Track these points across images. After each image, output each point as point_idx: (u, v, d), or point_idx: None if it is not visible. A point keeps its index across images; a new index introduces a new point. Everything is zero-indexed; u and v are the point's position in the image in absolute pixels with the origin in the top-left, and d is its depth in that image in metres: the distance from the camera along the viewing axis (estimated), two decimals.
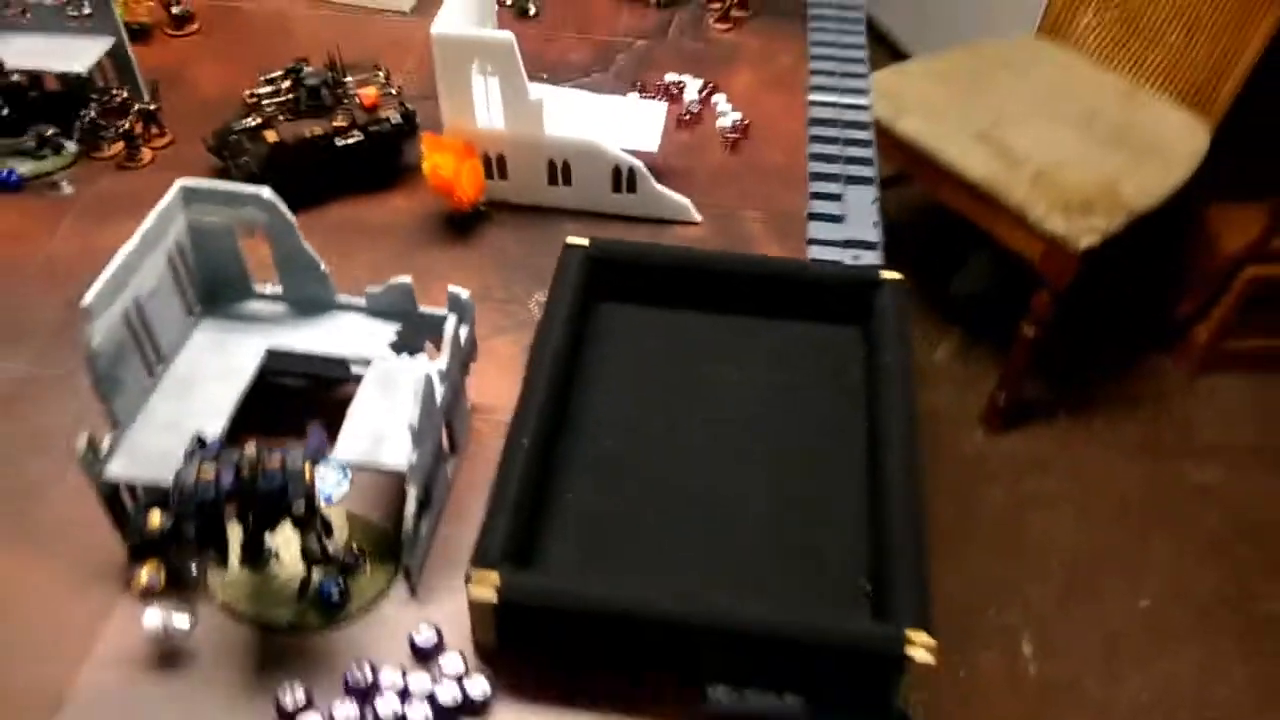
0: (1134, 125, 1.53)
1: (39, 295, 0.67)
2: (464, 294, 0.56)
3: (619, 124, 0.79)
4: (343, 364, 0.60)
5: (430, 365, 0.54)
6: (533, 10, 1.00)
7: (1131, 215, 1.41)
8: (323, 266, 0.57)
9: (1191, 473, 1.70)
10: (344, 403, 0.55)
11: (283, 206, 0.54)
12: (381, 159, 0.76)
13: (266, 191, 0.53)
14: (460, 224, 0.75)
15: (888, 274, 0.66)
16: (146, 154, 0.77)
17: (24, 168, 0.74)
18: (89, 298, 0.47)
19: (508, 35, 0.68)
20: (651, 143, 0.77)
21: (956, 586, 1.48)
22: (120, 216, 0.73)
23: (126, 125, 0.76)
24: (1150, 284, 1.94)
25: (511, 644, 0.50)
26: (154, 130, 0.78)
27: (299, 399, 0.60)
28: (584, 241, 0.66)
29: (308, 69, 0.74)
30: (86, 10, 0.77)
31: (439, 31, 0.68)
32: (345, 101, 0.74)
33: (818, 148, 0.88)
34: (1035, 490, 1.66)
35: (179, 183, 0.53)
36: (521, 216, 0.76)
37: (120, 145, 0.77)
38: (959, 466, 1.68)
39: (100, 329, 0.47)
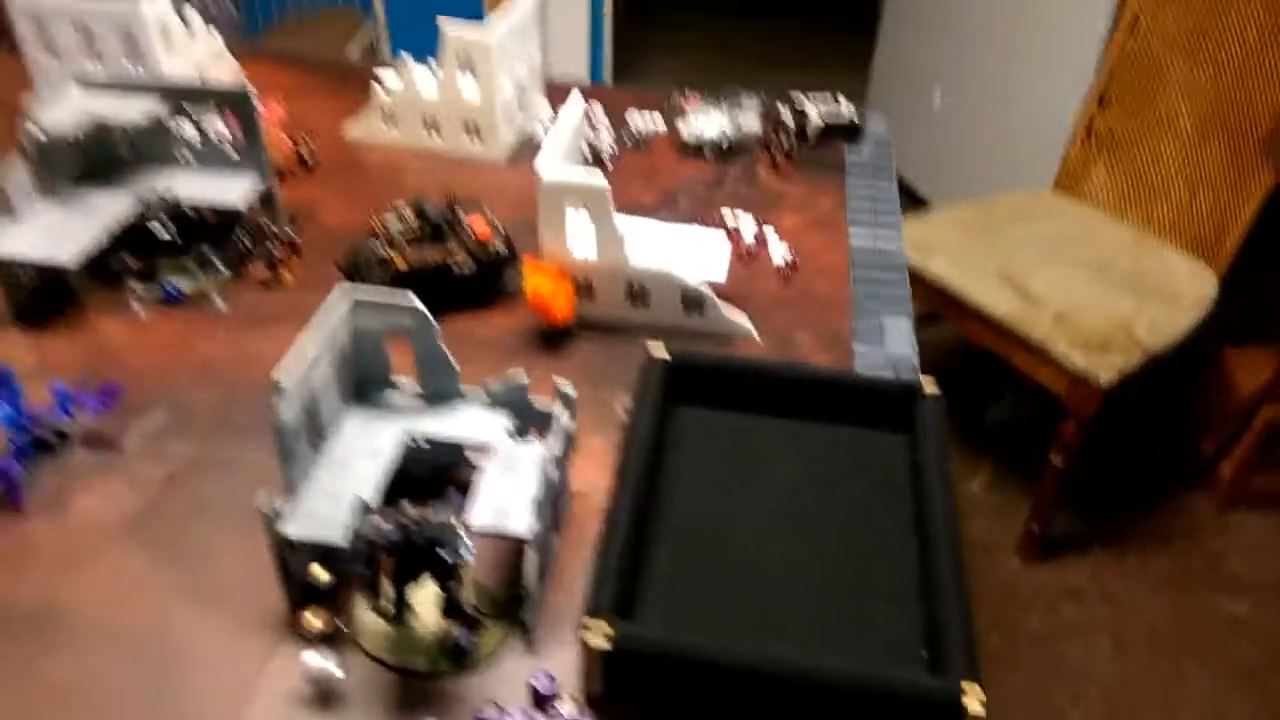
0: (1145, 273, 1.66)
1: (199, 391, 0.78)
2: (571, 389, 0.66)
3: (690, 254, 0.91)
4: (459, 450, 0.69)
5: (544, 449, 0.63)
6: (610, 165, 1.14)
7: (1147, 354, 1.51)
8: (455, 365, 0.68)
9: (1223, 605, 1.73)
10: (460, 485, 0.64)
11: (429, 316, 0.65)
12: (487, 282, 0.88)
13: (419, 303, 0.64)
14: (553, 338, 0.86)
15: (927, 386, 0.76)
16: (286, 276, 0.90)
17: (184, 284, 0.87)
18: (283, 379, 0.57)
19: (603, 181, 0.81)
20: (720, 273, 0.89)
21: (1000, 710, 1.49)
22: (266, 327, 0.85)
23: (271, 251, 0.89)
24: (1175, 422, 2.02)
25: (617, 694, 0.57)
26: (292, 255, 0.91)
27: (422, 483, 0.70)
28: (665, 353, 0.76)
29: (429, 205, 0.87)
30: (236, 155, 0.92)
31: (546, 176, 0.81)
32: (459, 232, 0.87)
33: (859, 279, 0.99)
34: (1071, 619, 1.69)
35: (350, 294, 0.64)
36: (606, 333, 0.87)
37: (264, 267, 0.90)
38: (996, 594, 1.72)
39: (288, 407, 0.58)
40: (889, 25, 2.78)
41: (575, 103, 0.92)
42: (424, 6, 2.84)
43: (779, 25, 4.10)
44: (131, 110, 0.87)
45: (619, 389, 0.81)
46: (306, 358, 0.60)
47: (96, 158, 0.91)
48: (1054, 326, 1.51)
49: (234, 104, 0.88)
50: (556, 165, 0.83)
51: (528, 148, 1.17)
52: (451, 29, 1.05)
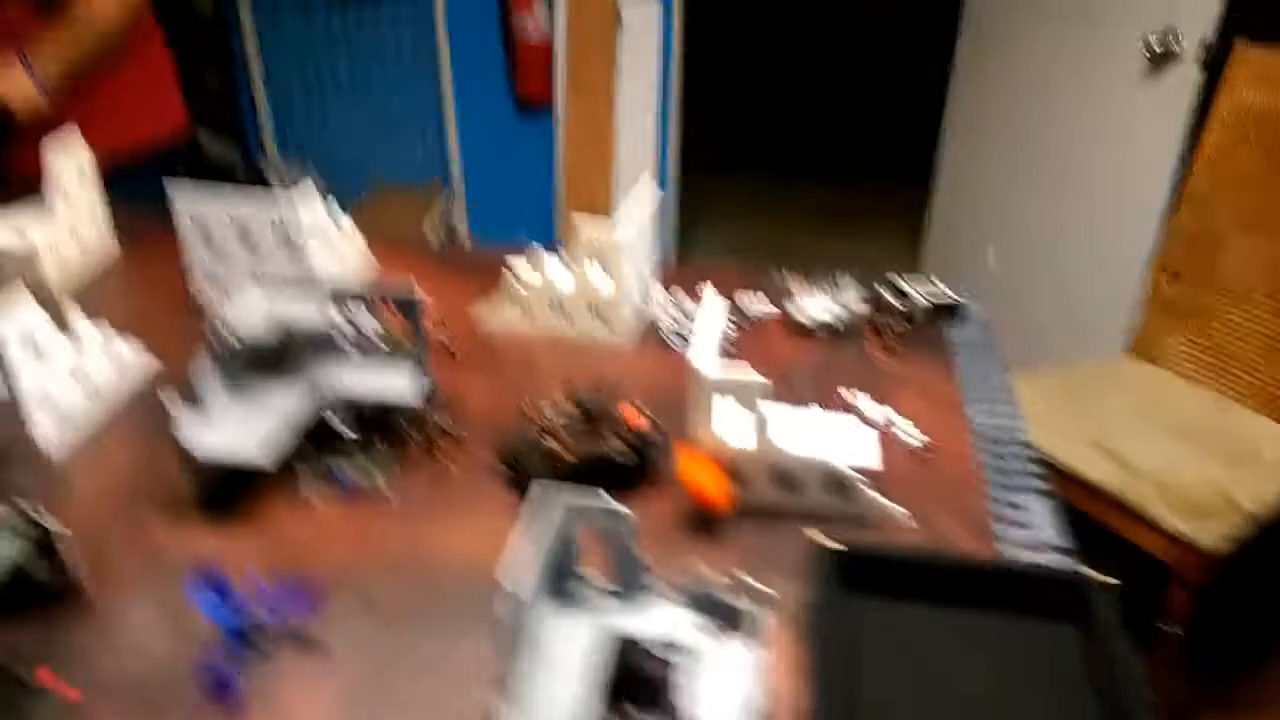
0: (1231, 438, 1.67)
1: (385, 583, 0.80)
2: (767, 589, 0.68)
3: (837, 439, 0.94)
4: (637, 646, 0.71)
5: (751, 651, 0.65)
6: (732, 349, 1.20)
7: (1250, 520, 1.51)
8: (647, 563, 0.70)
9: None
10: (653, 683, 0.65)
11: (634, 520, 0.68)
12: (641, 468, 0.92)
13: (624, 508, 0.68)
14: (707, 523, 0.89)
15: (1100, 576, 0.77)
16: (448, 464, 0.94)
17: (353, 472, 0.91)
18: (516, 589, 0.60)
19: (761, 378, 0.86)
20: (873, 459, 0.92)
21: None
22: (437, 517, 0.88)
23: (433, 439, 0.94)
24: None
25: None
26: (452, 443, 0.95)
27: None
28: (836, 544, 0.79)
29: (585, 395, 0.91)
30: (393, 348, 0.98)
31: (708, 374, 0.86)
32: (612, 419, 0.91)
33: (989, 460, 1.02)
34: None
35: (566, 501, 0.68)
36: (758, 517, 0.90)
37: (427, 455, 0.94)
38: None
39: (517, 614, 0.60)
40: (943, 188, 2.90)
41: (715, 300, 0.98)
42: (499, 187, 3.02)
43: (825, 187, 4.29)
44: (313, 313, 0.94)
45: (775, 572, 0.83)
46: (530, 563, 0.62)
47: (268, 352, 0.98)
48: (1154, 493, 1.52)
49: (404, 306, 0.94)
50: (714, 362, 0.88)
51: (648, 330, 1.23)
52: (585, 227, 1.13)
